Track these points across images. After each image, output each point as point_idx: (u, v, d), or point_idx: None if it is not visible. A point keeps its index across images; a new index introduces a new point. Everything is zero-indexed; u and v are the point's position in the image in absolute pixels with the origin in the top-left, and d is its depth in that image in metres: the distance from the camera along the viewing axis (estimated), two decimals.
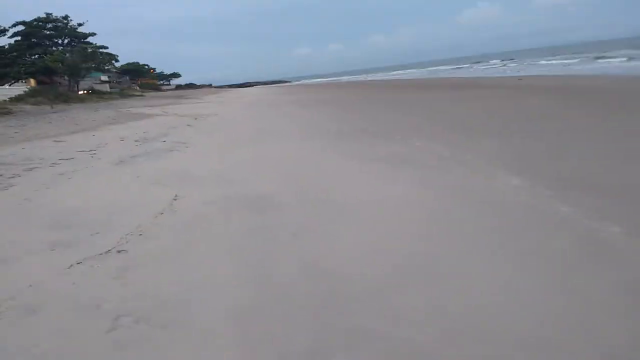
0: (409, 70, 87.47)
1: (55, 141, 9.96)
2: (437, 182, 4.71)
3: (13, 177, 5.88)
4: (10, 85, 38.38)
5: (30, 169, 6.50)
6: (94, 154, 7.89)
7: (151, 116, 17.17)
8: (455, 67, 67.25)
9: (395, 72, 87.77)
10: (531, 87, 18.74)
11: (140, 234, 3.56)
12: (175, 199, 4.55)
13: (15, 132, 11.92)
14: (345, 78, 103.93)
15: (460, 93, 18.74)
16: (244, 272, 2.77)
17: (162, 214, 4.10)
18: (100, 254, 3.16)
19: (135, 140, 9.62)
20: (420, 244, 3.08)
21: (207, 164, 6.49)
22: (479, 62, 69.20)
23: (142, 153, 7.75)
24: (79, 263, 3.00)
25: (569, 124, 7.96)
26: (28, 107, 25.17)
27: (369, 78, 77.35)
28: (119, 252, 3.21)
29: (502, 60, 62.15)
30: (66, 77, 49.14)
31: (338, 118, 12.17)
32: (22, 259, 3.13)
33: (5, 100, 28.13)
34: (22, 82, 43.77)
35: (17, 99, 28.25)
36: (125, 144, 9.15)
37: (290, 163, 6.30)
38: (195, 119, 15.09)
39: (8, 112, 19.88)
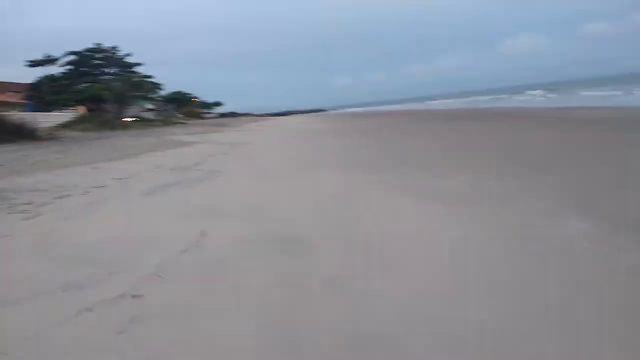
0: (448, 100, 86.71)
1: (92, 168, 10.00)
2: (492, 224, 4.21)
3: (43, 205, 5.75)
4: (60, 112, 40.14)
5: (62, 197, 6.38)
6: (127, 182, 7.77)
7: (190, 144, 17.31)
8: (494, 97, 66.14)
9: (434, 102, 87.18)
10: (574, 119, 17.87)
11: (160, 276, 3.23)
12: (202, 236, 4.23)
13: (57, 158, 12.14)
14: (384, 107, 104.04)
15: (502, 125, 18.07)
16: (270, 338, 2.36)
17: (186, 251, 3.78)
18: (113, 298, 2.84)
19: (171, 169, 9.52)
20: (480, 308, 2.59)
21: (239, 196, 6.20)
22: (518, 93, 67.84)
23: (175, 182, 7.57)
24: (87, 310, 2.68)
25: (627, 157, 7.27)
26: (75, 133, 26.11)
27: (408, 108, 77.02)
28: (133, 297, 2.88)
29: (543, 91, 60.74)
30: (113, 105, 51.31)
31: (377, 149, 11.80)
32: (30, 301, 2.84)
33: (55, 127, 29.32)
34: (72, 108, 45.84)
35: (66, 125, 29.40)
36: (160, 172, 9.04)
37: (326, 197, 5.92)
38: (232, 147, 15.06)
39: (54, 138, 20.56)
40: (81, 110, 47.09)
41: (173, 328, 2.49)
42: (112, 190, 6.96)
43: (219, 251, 3.77)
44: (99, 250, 3.86)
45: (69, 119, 32.53)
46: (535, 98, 49.09)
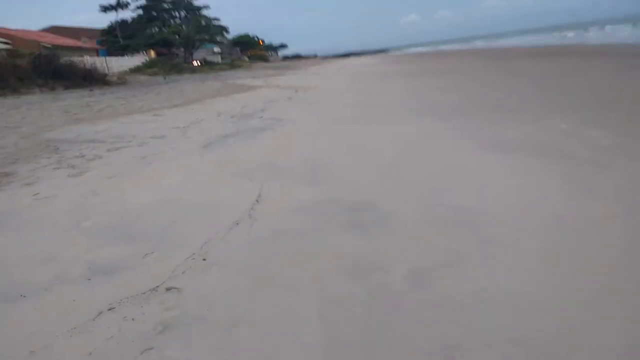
0: (529, 37, 79.46)
1: (154, 115, 9.70)
2: (608, 188, 3.26)
3: (93, 159, 5.41)
4: (132, 56, 40.98)
5: (117, 149, 6.03)
6: (186, 132, 7.33)
7: (253, 88, 16.77)
8: (577, 31, 59.52)
9: (508, 40, 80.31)
10: None
11: (204, 259, 2.66)
12: (257, 202, 3.62)
13: (122, 104, 12.02)
14: (452, 46, 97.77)
15: (588, 62, 15.83)
16: None
17: (237, 224, 3.18)
18: (144, 293, 2.30)
19: (232, 116, 8.99)
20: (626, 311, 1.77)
21: (301, 150, 5.51)
22: (598, 26, 60.42)
23: (235, 132, 7.02)
24: (110, 309, 2.16)
25: None
26: (144, 77, 26.45)
27: (479, 46, 71.58)
28: (168, 289, 2.33)
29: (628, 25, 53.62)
30: (181, 49, 51.75)
31: (451, 91, 10.56)
32: (44, 295, 2.37)
33: (125, 71, 29.92)
34: (142, 53, 46.71)
35: (136, 70, 29.89)
36: (221, 120, 8.54)
37: (399, 151, 5.09)
38: (296, 91, 14.32)
39: (124, 83, 20.79)
40: (152, 54, 48.01)
41: (210, 342, 1.90)
42: (168, 141, 6.52)
43: (275, 224, 3.14)
44: (139, 220, 3.36)
45: (139, 64, 33.08)
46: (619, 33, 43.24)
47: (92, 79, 18.87)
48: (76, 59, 24.66)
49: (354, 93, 12.67)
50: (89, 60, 26.68)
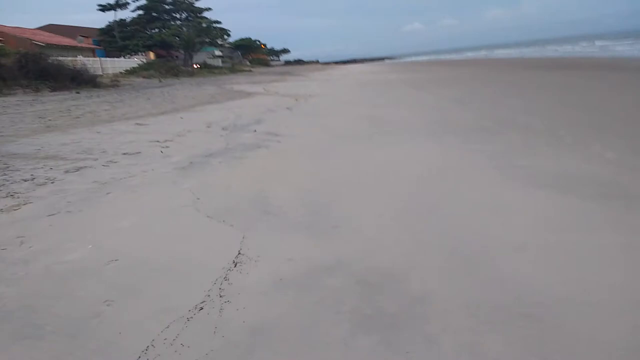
0: (532, 48, 78.69)
1: (137, 124, 8.68)
2: None
3: (44, 184, 4.37)
4: (130, 57, 40.01)
5: (78, 169, 5.00)
6: (167, 147, 6.30)
7: (251, 95, 15.78)
8: (586, 44, 58.63)
9: (512, 50, 79.56)
10: None
11: None
12: (234, 265, 2.60)
13: (106, 110, 11.00)
14: (456, 55, 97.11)
15: (612, 76, 14.86)
16: None
17: (200, 309, 2.16)
18: None
19: (223, 128, 7.98)
20: None
21: (300, 178, 4.50)
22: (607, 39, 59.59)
23: (222, 150, 6.00)
24: None
25: None
26: (139, 80, 25.46)
27: (482, 56, 70.78)
28: None
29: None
30: (181, 51, 50.82)
31: (466, 105, 9.56)
32: None
33: (121, 72, 28.94)
34: (141, 54, 45.75)
35: (131, 72, 28.91)
36: (210, 133, 7.52)
37: (421, 186, 4.08)
38: (296, 99, 13.33)
39: (115, 85, 19.79)
40: (151, 56, 47.08)
41: None
42: (142, 160, 5.49)
43: (254, 316, 2.11)
44: (56, 301, 2.32)
45: (135, 65, 32.11)
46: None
47: (81, 81, 17.84)
48: (69, 58, 23.70)
49: (359, 103, 11.66)
50: (82, 60, 25.70)
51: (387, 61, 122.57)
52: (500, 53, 73.48)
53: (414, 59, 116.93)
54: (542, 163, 4.65)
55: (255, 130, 7.61)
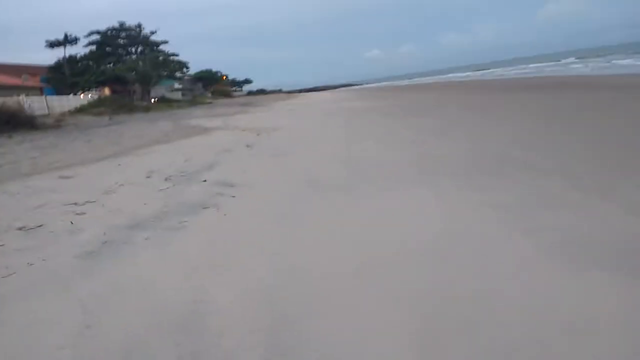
0: (491, 70, 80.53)
1: (60, 177, 7.08)
2: None
3: None
4: (82, 94, 37.86)
5: None
6: (82, 214, 4.77)
7: (208, 131, 14.29)
8: (544, 64, 60.25)
9: (475, 72, 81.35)
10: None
11: None
12: None
13: (31, 158, 9.32)
14: (417, 80, 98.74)
15: (585, 95, 14.19)
16: None
17: None
18: None
19: (166, 178, 6.48)
20: None
21: (255, 265, 3.05)
22: (558, 60, 61.66)
23: (155, 216, 4.50)
24: None
25: None
26: (88, 118, 23.65)
27: (446, 79, 71.86)
28: None
29: (600, 56, 54.68)
30: (138, 86, 48.94)
31: (448, 136, 8.37)
32: None
33: (69, 111, 26.99)
34: (95, 90, 43.63)
35: (81, 109, 26.99)
36: (147, 187, 6.02)
37: (430, 269, 2.74)
38: (258, 134, 11.94)
39: (58, 126, 17.95)
40: (106, 92, 45.01)
41: None
42: (37, 240, 3.94)
43: None
44: None
45: (85, 103, 30.14)
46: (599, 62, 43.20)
47: (17, 123, 15.96)
48: (9, 99, 21.71)
49: (329, 138, 10.36)
50: (24, 100, 23.66)
51: (351, 87, 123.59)
52: (459, 76, 74.90)
53: (376, 84, 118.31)
54: (577, 221, 3.41)
55: (205, 180, 6.14)
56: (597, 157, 5.63)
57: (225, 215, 4.41)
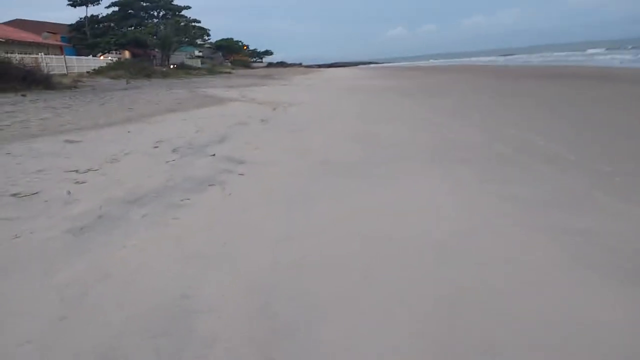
0: (515, 56, 78.41)
1: (67, 141, 6.85)
2: None
3: None
4: (102, 56, 37.67)
5: None
6: (82, 183, 4.52)
7: (224, 102, 13.96)
8: (567, 53, 58.39)
9: (499, 58, 79.25)
10: None
11: None
12: None
13: (42, 119, 9.11)
14: (439, 61, 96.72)
15: (612, 87, 13.47)
16: None
17: None
18: None
19: (173, 149, 6.22)
20: None
21: (257, 256, 2.75)
22: (580, 50, 59.57)
23: (157, 190, 4.24)
24: None
25: None
26: (105, 80, 23.45)
27: (469, 62, 70.12)
28: None
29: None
30: (158, 50, 48.57)
31: (466, 120, 7.90)
32: None
33: (87, 72, 26.82)
34: (116, 52, 43.41)
35: (99, 71, 26.79)
36: (153, 157, 5.76)
37: (451, 273, 2.41)
38: (275, 108, 11.58)
39: (74, 87, 17.77)
40: (126, 55, 44.77)
41: None
42: (28, 210, 3.70)
43: None
44: None
45: (104, 65, 29.93)
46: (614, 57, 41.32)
47: (33, 81, 15.80)
48: (30, 56, 21.57)
49: (346, 115, 9.97)
50: (43, 58, 23.51)
51: (371, 65, 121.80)
52: (482, 60, 73.04)
53: (396, 64, 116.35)
54: (606, 225, 3.05)
55: (214, 154, 5.85)
56: (626, 154, 5.20)
57: (229, 195, 4.11)
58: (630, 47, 54.81)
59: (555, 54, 62.00)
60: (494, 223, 3.18)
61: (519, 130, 6.91)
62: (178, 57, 52.65)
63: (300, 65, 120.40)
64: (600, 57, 42.13)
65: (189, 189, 4.27)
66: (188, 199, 3.95)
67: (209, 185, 4.43)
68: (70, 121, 9.02)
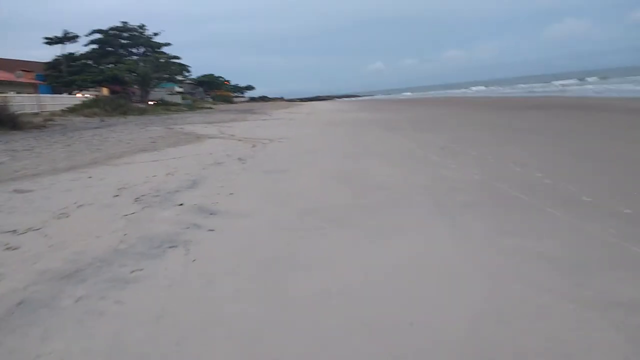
0: (491, 87, 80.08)
1: (15, 190, 6.06)
2: None
3: None
4: (78, 93, 36.83)
5: None
6: (13, 250, 3.71)
7: (201, 139, 13.26)
8: (545, 84, 59.76)
9: (476, 89, 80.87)
10: None
11: None
12: None
13: None
14: (420, 94, 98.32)
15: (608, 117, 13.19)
16: None
17: None
18: None
19: (136, 199, 5.44)
20: None
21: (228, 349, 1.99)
22: (575, 79, 61.16)
23: (107, 254, 3.44)
24: None
25: None
26: (79, 119, 22.61)
27: (449, 94, 71.23)
28: None
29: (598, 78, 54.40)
30: (137, 87, 47.98)
31: (462, 157, 7.30)
32: None
33: (62, 110, 25.97)
34: (93, 90, 42.64)
35: (73, 109, 25.95)
36: (110, 209, 4.97)
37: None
38: (254, 145, 10.91)
39: (43, 127, 16.90)
40: (104, 92, 44.02)
41: None
42: None
43: None
44: None
45: (79, 102, 29.10)
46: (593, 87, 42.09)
47: None
48: (0, 95, 20.72)
49: (330, 153, 9.33)
50: (15, 98, 22.65)
51: (352, 99, 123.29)
52: (463, 92, 74.38)
53: (378, 97, 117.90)
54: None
55: (181, 204, 5.09)
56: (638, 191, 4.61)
57: (193, 261, 3.34)
58: (596, 77, 56.78)
59: (534, 84, 63.43)
60: (533, 300, 2.47)
61: (521, 167, 6.33)
62: (158, 93, 52.14)
63: (282, 99, 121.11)
64: (575, 88, 42.99)
65: (144, 254, 3.49)
66: (140, 270, 3.17)
67: (170, 247, 3.66)
68: (26, 166, 8.19)
